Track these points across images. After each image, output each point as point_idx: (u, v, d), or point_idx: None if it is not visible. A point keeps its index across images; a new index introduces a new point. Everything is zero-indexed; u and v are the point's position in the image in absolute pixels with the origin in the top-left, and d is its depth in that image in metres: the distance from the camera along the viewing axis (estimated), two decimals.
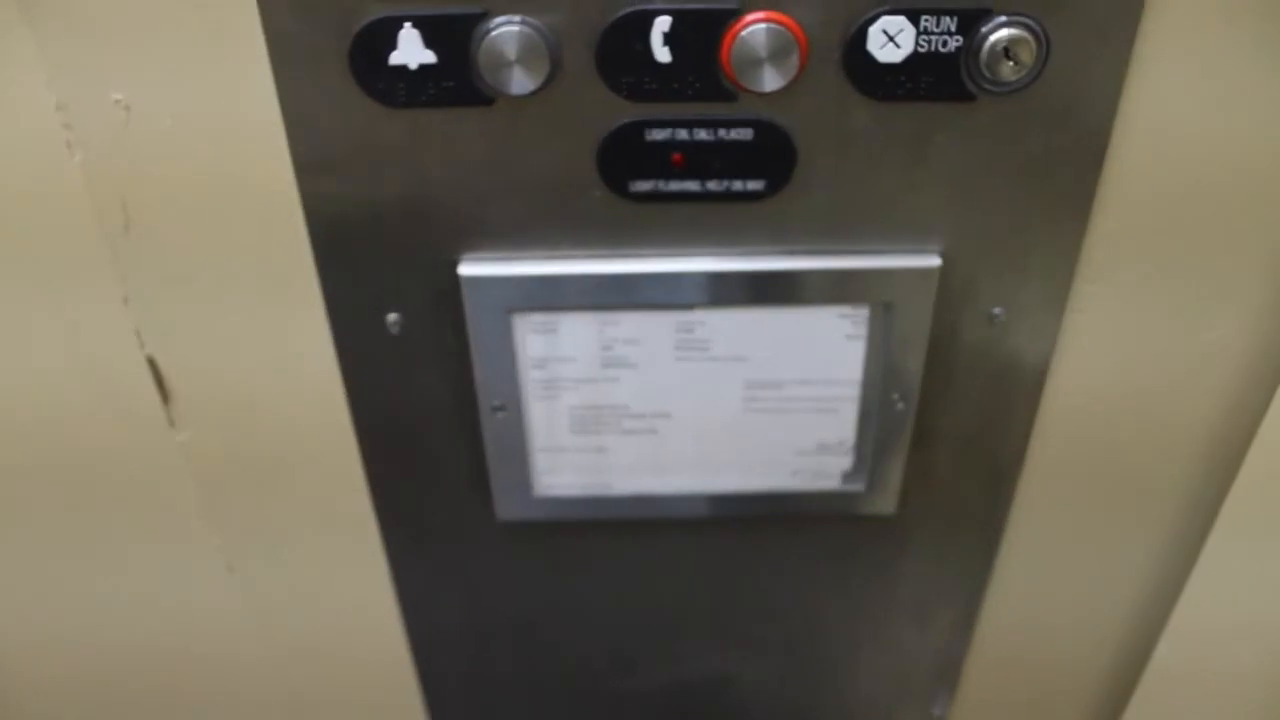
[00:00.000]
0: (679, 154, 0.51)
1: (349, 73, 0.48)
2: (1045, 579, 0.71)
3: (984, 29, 0.48)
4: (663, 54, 0.48)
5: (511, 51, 0.47)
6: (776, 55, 0.48)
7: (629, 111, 0.50)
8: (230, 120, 0.50)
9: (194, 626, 0.72)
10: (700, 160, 0.51)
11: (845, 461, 0.61)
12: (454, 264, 0.54)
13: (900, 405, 0.59)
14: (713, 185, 0.52)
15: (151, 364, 0.59)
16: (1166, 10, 0.48)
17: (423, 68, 0.48)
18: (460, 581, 0.68)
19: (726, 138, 0.51)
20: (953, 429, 0.62)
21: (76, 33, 0.48)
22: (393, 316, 0.56)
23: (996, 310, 0.57)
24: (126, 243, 0.54)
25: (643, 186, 0.52)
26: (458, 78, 0.48)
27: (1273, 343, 0.59)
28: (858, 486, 0.62)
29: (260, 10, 0.47)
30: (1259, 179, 0.53)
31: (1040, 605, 0.72)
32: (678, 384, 0.57)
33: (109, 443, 0.62)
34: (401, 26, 0.47)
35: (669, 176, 0.52)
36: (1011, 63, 0.49)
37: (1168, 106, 0.51)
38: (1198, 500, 0.65)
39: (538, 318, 0.55)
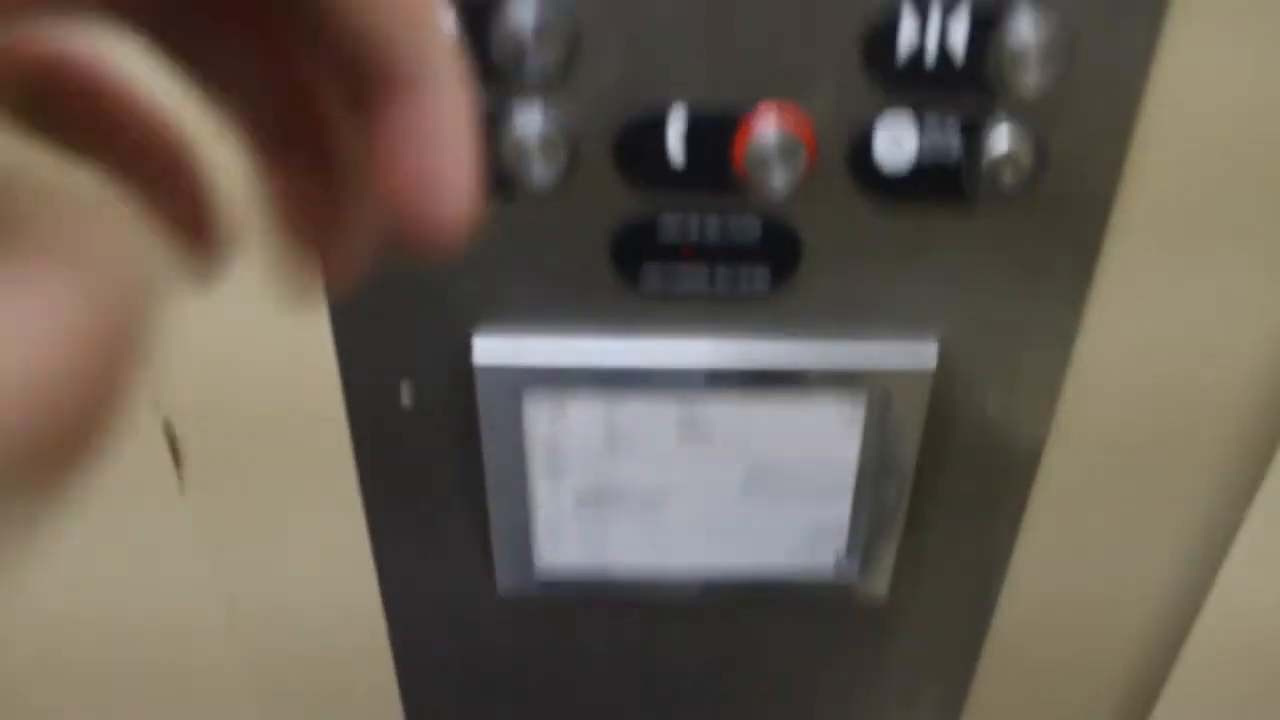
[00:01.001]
0: (689, 249, 0.53)
1: None
2: (1034, 661, 0.72)
3: (985, 137, 0.50)
4: (677, 152, 0.50)
5: (532, 146, 0.49)
6: (785, 157, 0.50)
7: (642, 206, 0.52)
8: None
9: (189, 685, 0.73)
10: (709, 256, 0.53)
11: (839, 546, 0.63)
12: (467, 339, 0.55)
13: (895, 491, 0.60)
14: (720, 280, 0.54)
15: (167, 427, 0.60)
16: (1160, 120, 0.51)
17: None
18: (458, 652, 0.69)
19: (735, 234, 0.53)
20: (946, 514, 0.63)
21: None
22: (405, 388, 0.57)
23: (992, 399, 0.59)
24: None
25: (653, 280, 0.54)
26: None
27: (1258, 447, 0.61)
28: (851, 570, 0.63)
29: None
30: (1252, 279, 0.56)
31: (1029, 687, 0.73)
32: (679, 467, 0.59)
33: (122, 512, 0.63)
34: None
35: (679, 271, 0.53)
36: (1011, 169, 0.51)
37: (1161, 208, 0.54)
38: (1192, 582, 0.67)
39: (547, 399, 0.56)
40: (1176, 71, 0.50)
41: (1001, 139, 0.50)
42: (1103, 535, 0.67)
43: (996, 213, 0.53)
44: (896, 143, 0.51)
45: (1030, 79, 0.49)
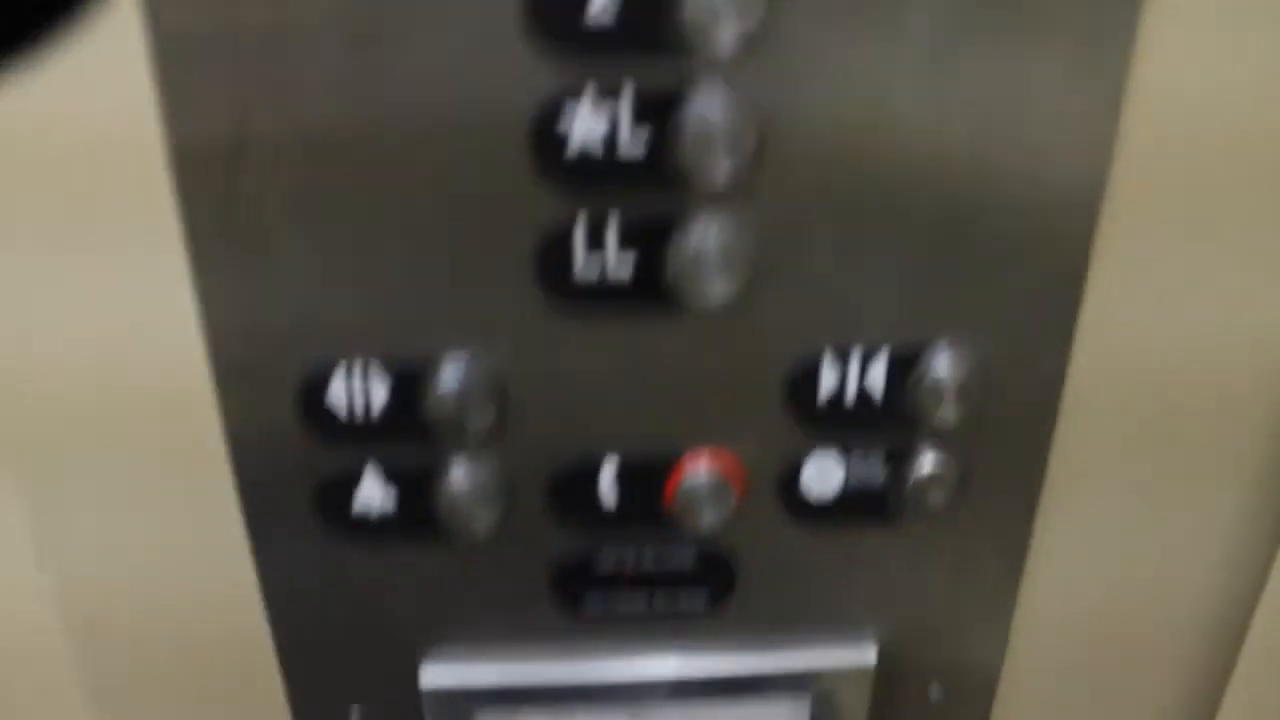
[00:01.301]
0: (626, 582, 0.54)
1: (317, 517, 0.51)
2: None
3: (908, 465, 0.52)
4: (609, 496, 0.52)
5: (467, 500, 0.50)
6: (714, 498, 0.51)
7: (578, 542, 0.53)
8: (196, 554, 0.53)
9: None
10: (647, 583, 0.55)
11: None
12: (415, 666, 0.57)
13: None
14: (659, 603, 0.55)
15: None
16: (1073, 447, 0.53)
17: (383, 516, 0.51)
18: None
19: (671, 563, 0.54)
20: None
21: None
22: (354, 712, 0.58)
23: (934, 687, 0.60)
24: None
25: (593, 607, 0.55)
26: (416, 523, 0.51)
27: None
28: None
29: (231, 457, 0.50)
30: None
31: None
32: None
33: None
34: (361, 483, 0.50)
35: (617, 602, 0.55)
36: (935, 491, 0.53)
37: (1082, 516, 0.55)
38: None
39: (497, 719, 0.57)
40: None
41: (924, 465, 0.52)
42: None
43: (924, 528, 0.54)
44: (823, 474, 0.53)
45: (948, 412, 0.51)
